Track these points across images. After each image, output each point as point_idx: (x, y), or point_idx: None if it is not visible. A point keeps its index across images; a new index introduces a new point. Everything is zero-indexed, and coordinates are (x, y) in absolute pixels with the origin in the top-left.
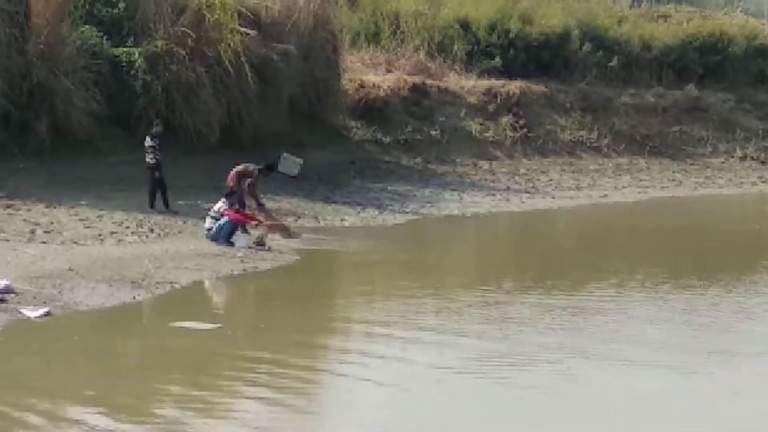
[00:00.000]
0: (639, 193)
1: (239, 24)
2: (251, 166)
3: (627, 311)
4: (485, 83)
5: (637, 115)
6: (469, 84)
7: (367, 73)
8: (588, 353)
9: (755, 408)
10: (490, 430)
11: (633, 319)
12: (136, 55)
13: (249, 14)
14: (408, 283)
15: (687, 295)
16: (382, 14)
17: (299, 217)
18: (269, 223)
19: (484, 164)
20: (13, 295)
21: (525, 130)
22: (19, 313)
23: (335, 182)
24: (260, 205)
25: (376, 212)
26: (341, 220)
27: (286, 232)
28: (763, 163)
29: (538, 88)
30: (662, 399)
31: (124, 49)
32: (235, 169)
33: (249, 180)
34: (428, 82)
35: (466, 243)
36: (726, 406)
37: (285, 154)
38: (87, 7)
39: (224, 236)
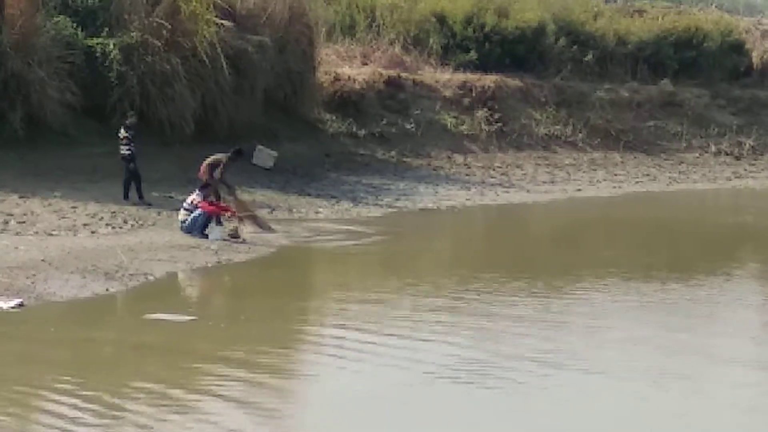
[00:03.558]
0: (613, 187)
1: (215, 15)
2: (220, 155)
3: (605, 310)
4: (460, 77)
5: (611, 110)
6: (444, 78)
7: (343, 66)
8: (567, 358)
9: (732, 411)
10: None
11: (610, 319)
12: (111, 46)
13: (224, 6)
14: (383, 276)
15: (664, 294)
16: (357, 7)
17: (273, 210)
18: (242, 214)
19: (459, 158)
20: None
21: (500, 124)
22: None
23: (310, 175)
24: (229, 187)
25: (351, 205)
26: (315, 212)
27: (259, 223)
28: (737, 158)
29: (514, 82)
30: (638, 404)
31: (99, 39)
32: (206, 162)
33: (218, 168)
34: (403, 75)
35: (442, 237)
36: (705, 410)
37: (259, 147)
38: None
39: (198, 228)
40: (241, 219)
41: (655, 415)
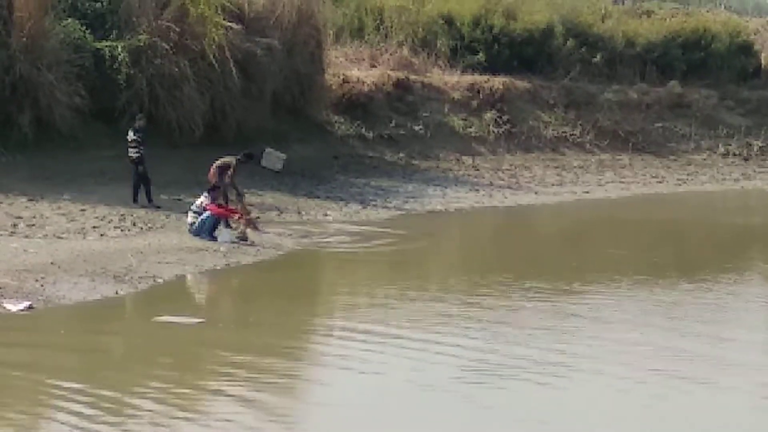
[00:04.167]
0: (622, 189)
1: (223, 18)
2: (229, 158)
3: (615, 311)
4: (469, 79)
5: (620, 112)
6: (452, 80)
7: (351, 68)
8: (577, 357)
9: (745, 411)
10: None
11: (620, 320)
12: (120, 49)
13: (233, 8)
14: (392, 278)
15: (674, 294)
16: (366, 9)
17: (282, 212)
18: (249, 217)
19: (468, 160)
20: None
21: (508, 125)
22: (2, 306)
23: (318, 177)
24: (239, 195)
25: (359, 207)
26: (324, 215)
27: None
28: (745, 159)
29: (522, 83)
30: (649, 405)
31: (108, 42)
32: (215, 164)
33: (228, 172)
34: (412, 77)
35: (451, 239)
36: (719, 410)
37: (268, 149)
38: (70, 0)
39: (207, 231)
40: (246, 222)
41: (667, 415)
